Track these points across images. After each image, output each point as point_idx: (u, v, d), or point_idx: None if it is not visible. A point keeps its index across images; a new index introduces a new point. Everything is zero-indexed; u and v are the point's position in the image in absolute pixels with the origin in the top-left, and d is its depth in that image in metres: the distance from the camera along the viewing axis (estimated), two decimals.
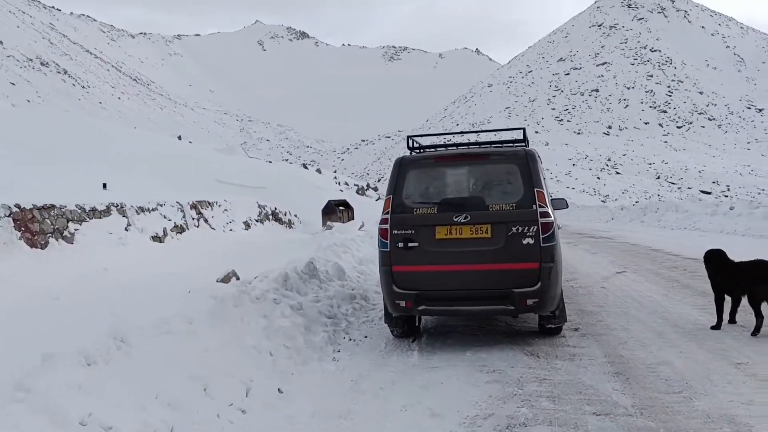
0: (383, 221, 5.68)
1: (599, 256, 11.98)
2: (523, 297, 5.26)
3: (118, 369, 3.60)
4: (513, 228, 5.32)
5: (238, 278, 9.26)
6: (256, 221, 21.92)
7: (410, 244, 5.52)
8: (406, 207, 5.63)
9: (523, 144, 6.10)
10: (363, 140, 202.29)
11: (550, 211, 5.41)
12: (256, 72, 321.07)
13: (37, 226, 9.84)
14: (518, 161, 5.55)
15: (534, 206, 5.35)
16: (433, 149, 6.31)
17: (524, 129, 6.12)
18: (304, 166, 46.75)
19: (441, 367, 5.00)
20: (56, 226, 10.37)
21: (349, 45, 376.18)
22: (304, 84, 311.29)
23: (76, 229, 10.89)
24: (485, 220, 5.40)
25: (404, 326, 6.08)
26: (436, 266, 5.47)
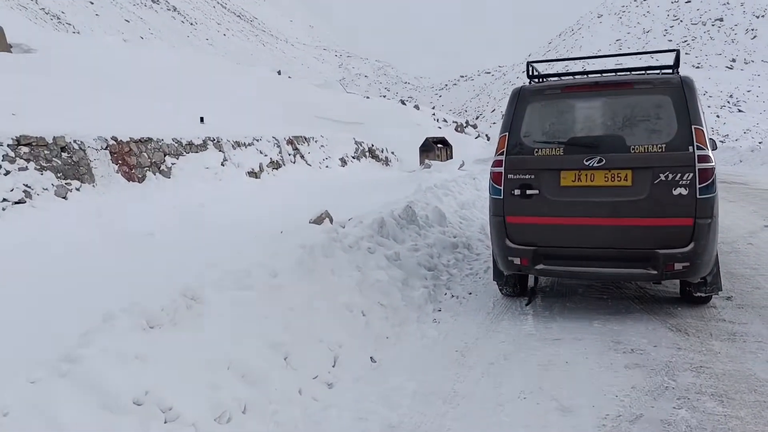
0: (496, 163, 4.80)
1: (737, 206, 10.43)
2: (670, 260, 4.27)
3: (185, 333, 3.07)
4: (661, 175, 4.29)
5: (331, 219, 8.74)
6: (353, 158, 21.48)
7: (529, 192, 4.63)
8: (525, 147, 4.71)
9: (674, 70, 4.92)
10: (462, 76, 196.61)
11: (710, 155, 4.30)
12: (354, 6, 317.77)
13: (135, 159, 9.73)
14: (671, 91, 4.43)
15: (690, 148, 4.27)
16: (557, 78, 5.26)
17: (677, 51, 4.92)
18: (402, 102, 45.71)
19: (563, 339, 4.18)
20: (153, 160, 10.24)
21: None
22: (402, 19, 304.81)
23: (173, 163, 10.75)
24: (625, 165, 4.39)
25: (516, 286, 5.26)
26: (559, 219, 4.56)
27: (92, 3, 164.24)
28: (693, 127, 4.30)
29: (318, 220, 8.50)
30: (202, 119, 13.52)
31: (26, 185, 7.33)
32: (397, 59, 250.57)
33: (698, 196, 4.23)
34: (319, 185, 15.15)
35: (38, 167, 7.66)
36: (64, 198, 7.94)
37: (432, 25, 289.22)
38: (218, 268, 4.20)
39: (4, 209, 6.89)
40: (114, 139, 9.34)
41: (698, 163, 4.24)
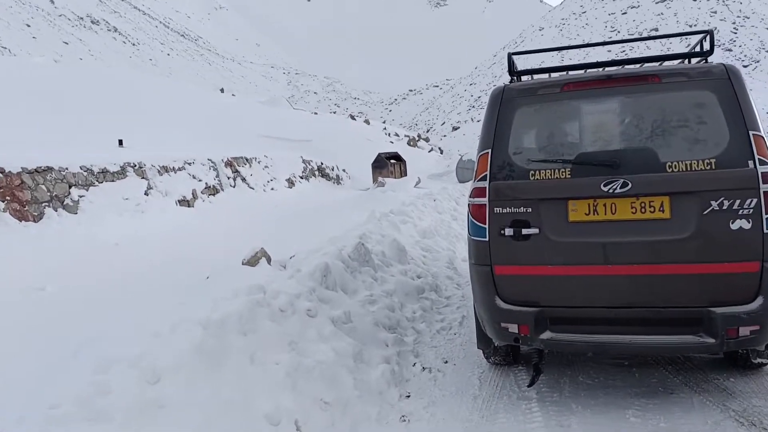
0: (477, 192, 3.47)
1: None
2: (731, 322, 3.01)
3: None
4: (712, 202, 3.04)
5: (269, 259, 7.27)
6: (301, 178, 19.99)
7: (525, 231, 3.31)
8: (517, 169, 3.40)
9: (706, 59, 3.71)
10: (410, 90, 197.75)
11: None
12: (301, 23, 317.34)
13: (29, 193, 8.04)
14: (716, 85, 3.19)
15: (750, 163, 3.04)
16: (547, 74, 3.99)
17: (711, 32, 3.70)
18: (352, 117, 44.52)
19: None
20: (55, 193, 8.56)
21: None
22: (349, 34, 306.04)
23: (80, 196, 9.07)
24: (659, 189, 3.13)
25: (508, 354, 3.93)
26: (570, 268, 3.26)
27: (28, 26, 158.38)
28: (751, 133, 3.07)
29: (252, 261, 7.01)
30: (120, 142, 11.84)
31: None
32: (346, 75, 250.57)
33: (766, 231, 2.99)
34: (263, 211, 13.61)
35: None
36: None
37: (378, 41, 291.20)
38: (68, 386, 2.70)
39: None
40: (0, 170, 7.65)
41: (763, 183, 3.01)
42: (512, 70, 3.87)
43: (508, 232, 3.33)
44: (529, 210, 3.31)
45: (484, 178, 3.45)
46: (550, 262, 3.28)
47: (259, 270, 6.81)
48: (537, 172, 3.34)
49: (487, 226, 3.40)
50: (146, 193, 10.80)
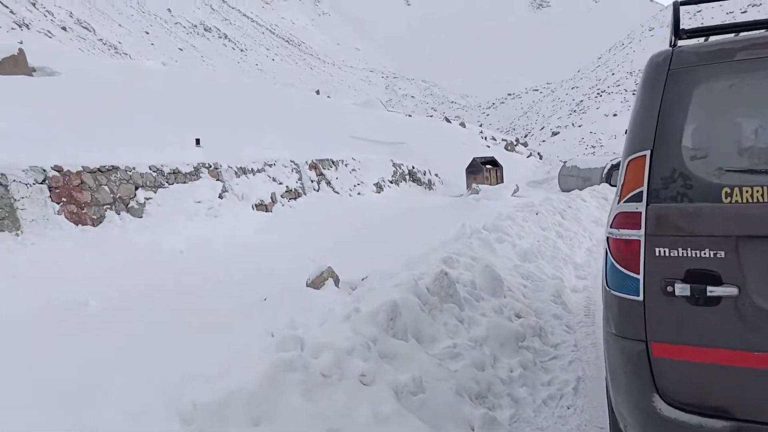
0: (623, 220, 2.16)
1: None
2: None
3: None
4: None
5: (337, 280, 6.20)
6: (390, 182, 18.96)
7: (713, 291, 1.96)
8: (698, 183, 2.05)
9: None
10: (509, 94, 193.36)
11: None
12: (400, 28, 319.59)
13: (88, 195, 7.43)
14: None
15: None
16: (734, 34, 2.57)
17: None
18: (447, 119, 43.15)
19: None
20: (119, 195, 7.94)
21: None
22: (448, 38, 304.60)
23: (147, 198, 8.43)
24: None
25: None
26: None
27: (147, 33, 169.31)
28: None
29: (318, 282, 5.97)
30: (198, 141, 11.25)
31: None
32: (444, 78, 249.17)
33: None
34: (346, 217, 12.66)
35: None
36: None
37: (478, 44, 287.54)
38: None
39: None
40: (57, 169, 7.07)
41: None
42: (679, 30, 2.49)
43: (681, 289, 1.99)
44: (722, 254, 1.95)
45: (636, 198, 2.12)
46: (758, 346, 1.91)
47: (323, 294, 5.75)
48: (736, 190, 1.97)
49: (641, 277, 2.08)
50: (221, 196, 10.10)
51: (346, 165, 16.36)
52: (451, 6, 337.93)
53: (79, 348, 4.67)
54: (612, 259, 2.19)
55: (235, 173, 10.79)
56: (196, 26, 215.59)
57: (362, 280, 6.07)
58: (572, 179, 20.13)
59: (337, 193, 15.00)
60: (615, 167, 18.49)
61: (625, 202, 2.17)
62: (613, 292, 2.19)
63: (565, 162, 25.77)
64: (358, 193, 16.12)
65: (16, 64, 21.25)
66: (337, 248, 8.90)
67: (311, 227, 10.85)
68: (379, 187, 17.67)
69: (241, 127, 18.34)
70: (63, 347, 4.74)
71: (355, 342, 3.14)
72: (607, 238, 2.26)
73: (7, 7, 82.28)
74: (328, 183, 14.83)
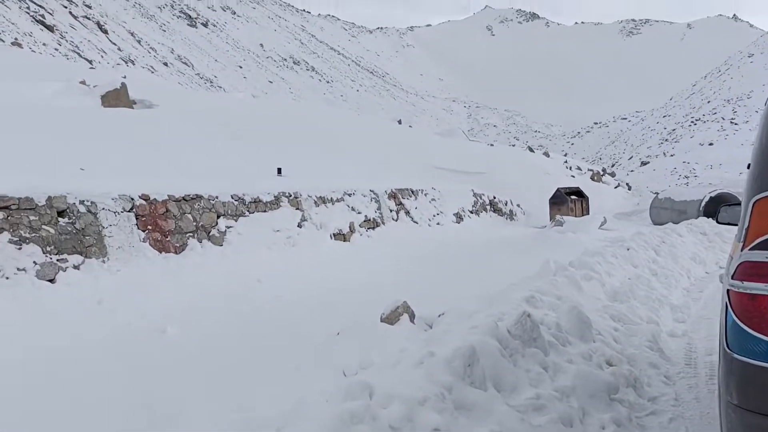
0: (748, 271, 1.82)
1: None
2: None
3: None
4: None
5: (412, 315, 5.95)
6: (471, 212, 18.60)
7: None
8: None
9: None
10: (595, 123, 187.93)
11: None
12: (484, 58, 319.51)
13: (173, 223, 7.63)
14: None
15: None
16: None
17: None
18: (530, 149, 42.27)
19: None
20: (201, 223, 8.11)
21: (582, 22, 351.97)
22: (533, 67, 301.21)
23: (228, 227, 8.57)
24: None
25: None
26: None
27: (240, 67, 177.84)
28: None
29: (392, 317, 5.75)
30: (279, 170, 11.43)
31: None
32: (527, 108, 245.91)
33: None
34: (424, 248, 12.44)
35: (16, 239, 5.67)
36: (50, 281, 5.87)
37: (563, 73, 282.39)
38: None
39: None
40: (144, 197, 7.30)
41: None
42: None
43: None
44: None
45: (765, 245, 1.79)
46: None
47: (397, 330, 5.53)
48: None
49: None
50: (300, 225, 10.15)
51: (425, 194, 16.20)
52: (536, 34, 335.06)
53: (150, 376, 4.68)
54: (734, 316, 1.85)
55: (315, 202, 10.86)
56: (285, 60, 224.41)
57: (439, 316, 5.81)
58: (666, 212, 18.99)
59: (416, 222, 14.83)
60: (715, 200, 17.09)
61: (750, 249, 1.83)
62: (735, 355, 1.85)
63: (657, 193, 24.47)
64: (438, 223, 15.88)
65: (119, 97, 22.67)
66: (413, 280, 8.69)
67: (388, 258, 10.69)
68: (458, 217, 17.36)
69: (322, 155, 18.63)
70: (135, 375, 4.77)
71: (429, 391, 2.89)
72: (728, 290, 1.92)
73: (115, 44, 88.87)
74: (407, 213, 14.69)
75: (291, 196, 10.24)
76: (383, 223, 13.11)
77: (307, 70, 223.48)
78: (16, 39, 49.41)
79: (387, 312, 5.84)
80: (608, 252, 7.39)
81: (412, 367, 3.23)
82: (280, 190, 10.05)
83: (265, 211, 9.45)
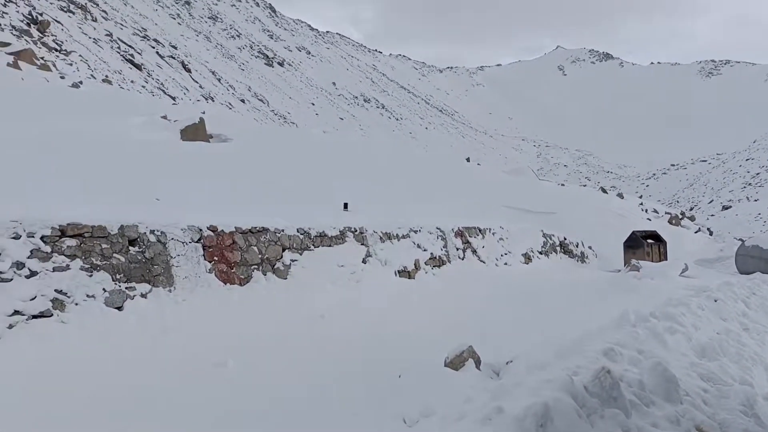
0: None
1: None
2: None
3: None
4: None
5: (478, 361, 5.64)
6: (540, 253, 18.01)
7: None
8: None
9: None
10: (672, 165, 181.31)
11: None
12: (555, 97, 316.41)
13: (239, 255, 7.65)
14: None
15: None
16: None
17: None
18: (603, 189, 41.02)
19: None
20: (266, 256, 8.11)
21: (658, 63, 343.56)
22: (605, 107, 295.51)
23: (293, 260, 8.54)
24: None
25: None
26: None
27: (313, 104, 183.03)
28: None
29: (457, 362, 5.47)
30: (345, 206, 11.41)
31: (59, 291, 5.44)
32: (599, 148, 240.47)
33: None
34: (491, 289, 12.04)
35: (87, 266, 5.78)
36: (118, 309, 5.93)
37: (637, 114, 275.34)
38: None
39: (10, 327, 4.96)
40: (212, 229, 7.37)
41: None
42: None
43: None
44: None
45: None
46: None
47: (462, 376, 5.24)
48: None
49: None
50: (364, 261, 10.03)
51: (493, 233, 15.81)
52: (610, 74, 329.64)
53: (207, 411, 4.58)
54: None
55: (380, 238, 10.73)
56: (356, 97, 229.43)
57: (507, 363, 5.48)
58: (753, 260, 17.77)
59: (483, 262, 14.44)
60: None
61: None
62: None
63: (743, 240, 23.02)
64: (505, 263, 15.42)
65: (197, 131, 23.57)
66: (479, 322, 8.36)
67: (453, 297, 10.38)
68: (527, 258, 16.83)
69: (389, 191, 18.60)
70: (195, 409, 4.68)
71: None
72: None
73: (197, 82, 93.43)
74: (474, 251, 14.34)
75: (356, 231, 10.15)
76: (449, 262, 12.82)
77: (377, 107, 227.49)
78: (106, 76, 52.71)
79: (451, 356, 5.57)
80: (693, 302, 6.83)
81: (478, 423, 2.96)
82: (345, 225, 9.99)
83: (330, 246, 9.39)
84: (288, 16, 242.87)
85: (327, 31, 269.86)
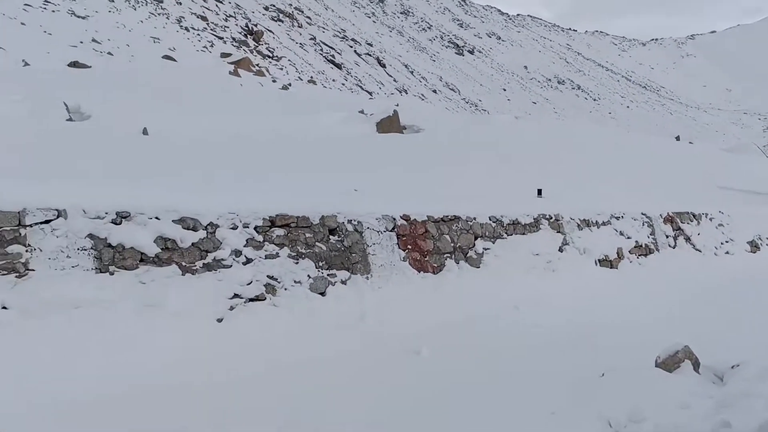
0: None
1: None
2: None
3: None
4: None
5: (696, 364, 5.00)
6: None
7: None
8: None
9: None
10: None
11: None
12: None
13: (431, 243, 7.71)
14: None
15: None
16: None
17: None
18: None
19: None
20: (458, 244, 8.07)
21: None
22: None
23: (486, 249, 8.39)
24: None
25: None
26: None
27: (504, 90, 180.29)
28: None
29: (670, 363, 4.91)
30: (539, 192, 10.93)
31: (271, 276, 5.92)
32: None
33: None
34: (709, 281, 10.73)
35: (293, 254, 6.22)
36: (321, 294, 6.30)
37: None
38: None
39: (231, 308, 5.52)
40: (405, 218, 7.51)
41: None
42: None
43: None
44: None
45: None
46: None
47: (676, 379, 4.70)
48: None
49: None
50: (560, 250, 9.55)
51: (710, 219, 14.10)
52: None
53: (403, 397, 4.66)
54: None
55: (578, 225, 10.12)
56: (549, 80, 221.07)
57: (732, 368, 4.79)
58: None
59: (699, 251, 12.95)
60: None
61: None
62: None
63: None
64: (726, 252, 13.67)
65: (391, 124, 24.43)
66: (694, 319, 7.48)
67: (663, 290, 9.43)
68: (754, 246, 14.75)
69: (586, 175, 17.53)
70: (392, 394, 4.79)
71: None
72: None
73: (391, 76, 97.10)
74: (688, 239, 12.91)
75: (551, 218, 9.69)
76: (657, 250, 11.70)
77: (573, 88, 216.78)
78: (311, 77, 57.11)
79: (664, 356, 5.02)
80: None
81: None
82: (539, 212, 9.59)
83: (523, 234, 9.07)
84: (477, 3, 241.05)
85: (518, 14, 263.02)
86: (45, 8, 40.53)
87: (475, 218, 8.46)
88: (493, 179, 13.61)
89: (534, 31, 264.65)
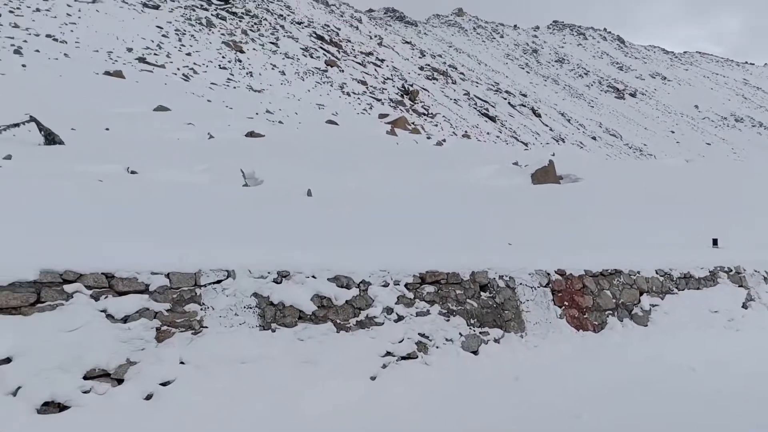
0: None
1: None
2: None
3: None
4: None
5: None
6: None
7: None
8: None
9: None
10: None
11: None
12: None
13: (590, 299, 7.27)
14: None
15: None
16: None
17: None
18: None
19: None
20: (621, 300, 7.53)
21: None
22: None
23: (653, 305, 7.74)
24: None
25: None
26: None
27: (672, 132, 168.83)
28: None
29: None
30: (715, 241, 9.87)
31: (422, 334, 5.93)
32: None
33: None
34: None
35: (444, 311, 6.20)
36: (473, 353, 6.17)
37: None
38: None
39: (384, 366, 5.59)
40: (560, 272, 7.18)
41: None
42: None
43: None
44: None
45: None
46: None
47: None
48: None
49: None
50: (744, 306, 8.53)
51: None
52: None
53: None
54: None
55: (764, 279, 8.99)
56: (725, 118, 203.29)
57: None
58: None
59: None
60: None
61: None
62: None
63: None
64: None
65: (546, 174, 23.85)
66: None
67: None
68: None
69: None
70: None
71: None
72: None
73: (547, 125, 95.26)
74: None
75: (731, 270, 8.72)
76: None
77: (753, 126, 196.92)
78: (466, 131, 57.95)
79: None
80: None
81: None
82: (716, 263, 8.68)
83: (698, 288, 8.25)
84: (638, 44, 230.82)
85: (684, 52, 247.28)
86: (228, 86, 45.85)
87: (639, 272, 7.88)
88: (659, 228, 12.61)
89: (704, 67, 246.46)
